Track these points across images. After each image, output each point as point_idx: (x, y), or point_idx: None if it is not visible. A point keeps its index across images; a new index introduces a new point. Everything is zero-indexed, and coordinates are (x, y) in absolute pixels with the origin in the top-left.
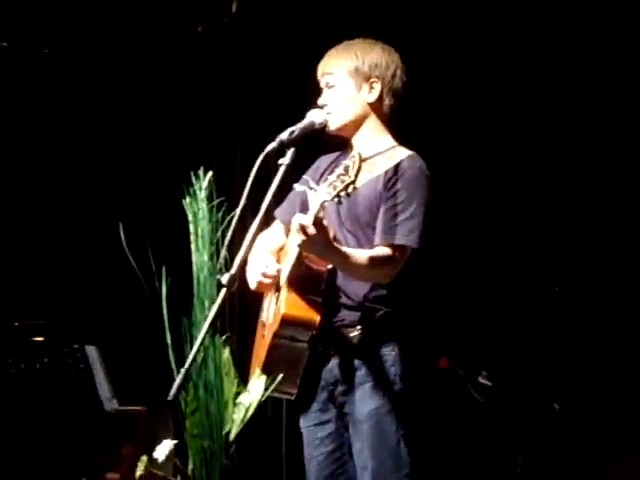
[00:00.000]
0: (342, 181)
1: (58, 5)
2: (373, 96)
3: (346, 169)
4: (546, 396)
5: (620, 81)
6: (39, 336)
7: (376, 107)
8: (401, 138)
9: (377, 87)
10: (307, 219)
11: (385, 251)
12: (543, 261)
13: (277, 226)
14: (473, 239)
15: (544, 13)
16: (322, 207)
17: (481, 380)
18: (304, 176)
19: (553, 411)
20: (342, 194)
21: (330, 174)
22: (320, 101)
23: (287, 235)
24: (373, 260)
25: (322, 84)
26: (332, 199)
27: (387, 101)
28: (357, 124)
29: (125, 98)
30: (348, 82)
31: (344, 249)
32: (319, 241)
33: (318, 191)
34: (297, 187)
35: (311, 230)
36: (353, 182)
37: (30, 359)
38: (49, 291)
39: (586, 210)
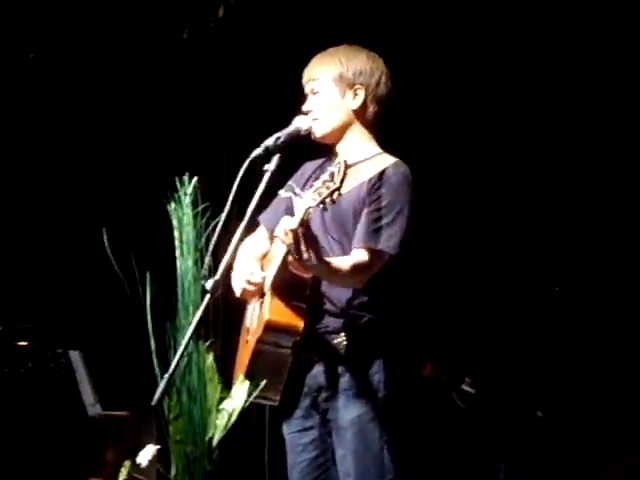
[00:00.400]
0: (327, 187)
1: (44, 11)
2: (357, 103)
3: (331, 175)
4: (529, 404)
5: (611, 80)
6: (23, 341)
7: (360, 114)
8: (387, 144)
9: (361, 94)
10: (293, 224)
11: (363, 256)
12: (526, 269)
13: (261, 232)
14: (457, 246)
15: (528, 14)
16: (307, 213)
17: (464, 387)
18: (289, 182)
19: (536, 419)
20: (327, 200)
21: (315, 180)
22: (305, 107)
23: (271, 241)
24: (354, 268)
25: (307, 90)
26: (317, 205)
27: (371, 108)
28: (342, 131)
29: (111, 104)
30: (332, 89)
31: (327, 258)
32: (305, 247)
33: (303, 197)
34: (282, 193)
35: (293, 237)
36: (338, 189)
37: (14, 364)
38: (33, 296)
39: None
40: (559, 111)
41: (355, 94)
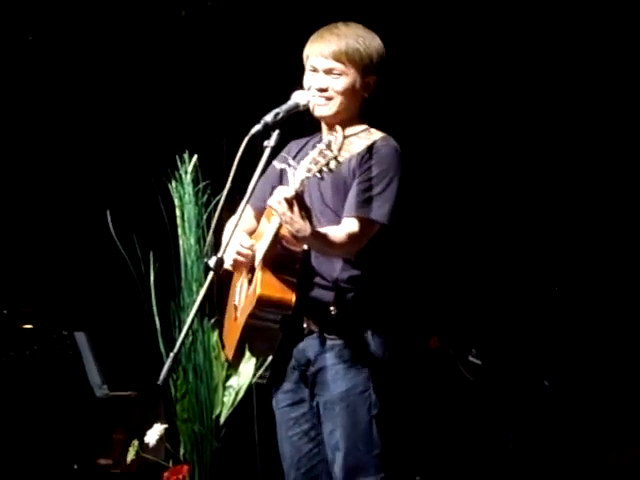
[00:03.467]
0: (324, 156)
1: None
2: (368, 91)
3: (328, 145)
4: (536, 373)
5: (611, 80)
6: (28, 323)
7: (364, 98)
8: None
9: (373, 84)
10: (288, 193)
11: (354, 225)
12: (531, 244)
13: (247, 211)
14: (464, 221)
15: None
16: (302, 183)
17: (471, 359)
18: (282, 153)
19: (543, 388)
20: (324, 169)
21: (311, 150)
22: (319, 84)
23: (257, 220)
24: (346, 238)
25: (320, 65)
26: (314, 175)
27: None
28: (349, 113)
29: (110, 84)
30: (357, 78)
31: (320, 229)
32: (299, 217)
33: (298, 168)
34: (276, 164)
35: (288, 206)
36: (336, 157)
37: (19, 346)
38: (37, 278)
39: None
40: (559, 108)
41: (369, 83)
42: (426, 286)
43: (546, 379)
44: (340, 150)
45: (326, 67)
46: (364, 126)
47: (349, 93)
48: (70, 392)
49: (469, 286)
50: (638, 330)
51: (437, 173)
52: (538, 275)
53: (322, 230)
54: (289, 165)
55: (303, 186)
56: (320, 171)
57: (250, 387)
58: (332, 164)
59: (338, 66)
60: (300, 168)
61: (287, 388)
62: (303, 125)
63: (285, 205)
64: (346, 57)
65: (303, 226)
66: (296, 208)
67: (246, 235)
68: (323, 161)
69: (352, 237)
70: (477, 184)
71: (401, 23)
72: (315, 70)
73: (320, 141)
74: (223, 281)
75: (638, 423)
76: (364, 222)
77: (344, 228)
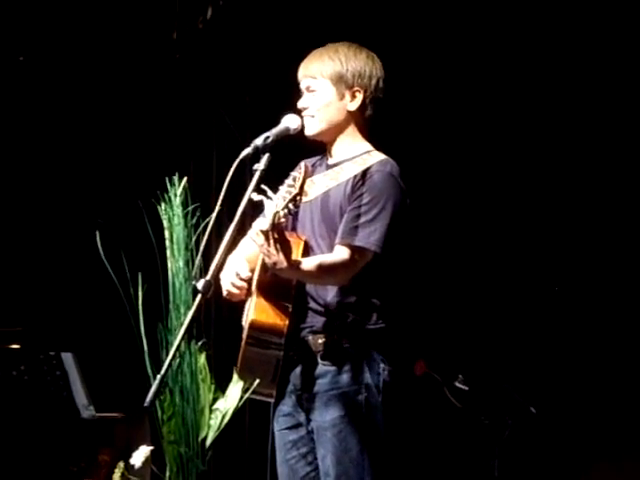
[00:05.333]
0: (289, 192)
1: (33, 13)
2: (354, 105)
3: (293, 180)
4: (523, 400)
5: (611, 80)
6: (15, 343)
7: (356, 115)
8: (385, 144)
9: (359, 96)
10: (264, 226)
11: (342, 254)
12: (517, 265)
13: None
14: (451, 243)
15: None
16: (277, 216)
17: (458, 384)
18: (262, 185)
19: (530, 415)
20: (290, 206)
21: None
22: (300, 104)
23: None
24: (329, 267)
25: (302, 86)
26: (282, 210)
27: (368, 110)
28: (336, 130)
29: (101, 105)
30: (330, 89)
31: (301, 259)
32: (275, 250)
33: (273, 200)
34: (254, 197)
35: (264, 239)
36: (299, 194)
37: (6, 366)
38: (25, 298)
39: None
40: (558, 110)
41: (353, 96)
42: (412, 311)
43: (532, 405)
44: (302, 187)
45: (305, 85)
46: (366, 147)
47: (327, 108)
48: (56, 413)
49: (456, 311)
50: (620, 353)
51: (421, 194)
52: (523, 302)
53: (305, 261)
54: (267, 197)
55: (277, 220)
56: (287, 207)
57: (237, 410)
58: (297, 200)
59: (312, 82)
60: (274, 200)
61: (287, 411)
62: (297, 148)
63: (262, 237)
64: (319, 72)
65: (279, 259)
66: (272, 241)
67: (246, 264)
68: (289, 197)
69: (340, 265)
70: (462, 206)
71: (398, 35)
72: (301, 92)
73: (324, 163)
74: (211, 303)
75: (623, 448)
76: (353, 250)
77: (333, 256)
